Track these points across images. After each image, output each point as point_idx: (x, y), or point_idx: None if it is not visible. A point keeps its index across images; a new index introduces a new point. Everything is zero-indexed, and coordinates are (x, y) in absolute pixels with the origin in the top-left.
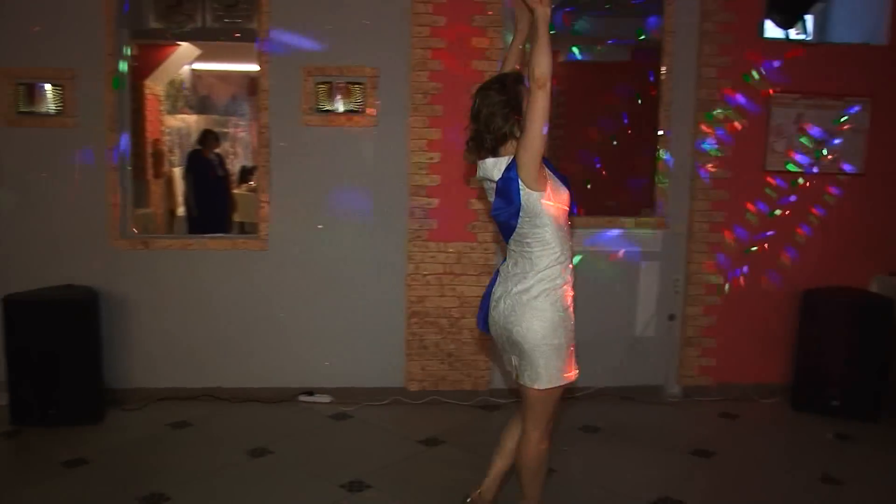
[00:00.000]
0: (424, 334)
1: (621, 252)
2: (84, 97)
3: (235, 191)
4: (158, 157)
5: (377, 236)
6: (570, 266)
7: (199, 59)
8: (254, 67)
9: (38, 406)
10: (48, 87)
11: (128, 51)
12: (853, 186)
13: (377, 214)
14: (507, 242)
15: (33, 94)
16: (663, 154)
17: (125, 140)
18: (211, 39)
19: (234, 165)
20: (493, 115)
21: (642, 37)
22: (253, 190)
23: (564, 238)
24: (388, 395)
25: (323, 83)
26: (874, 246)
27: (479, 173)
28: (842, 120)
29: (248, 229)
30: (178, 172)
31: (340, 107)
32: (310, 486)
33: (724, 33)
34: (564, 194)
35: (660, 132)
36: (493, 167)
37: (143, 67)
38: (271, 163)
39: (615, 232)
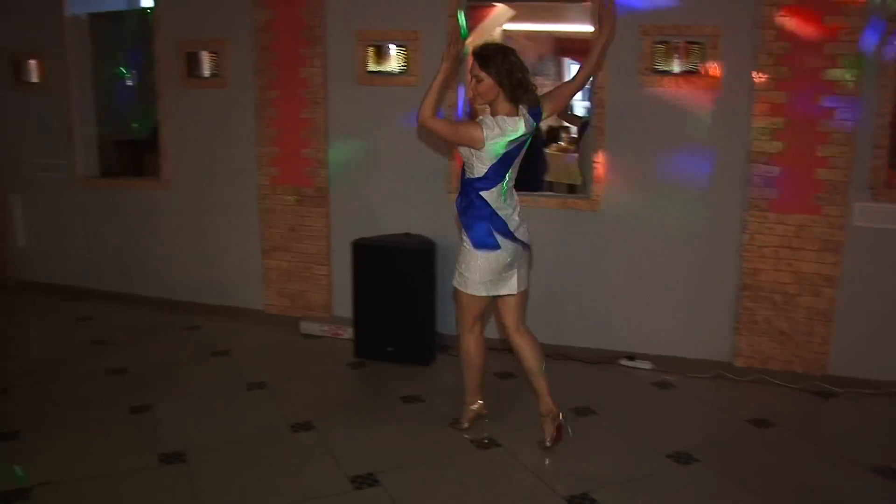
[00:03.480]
0: (756, 309)
1: None
2: (424, 57)
3: (545, 150)
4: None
5: (712, 203)
6: None
7: (512, 20)
8: (584, 28)
9: (377, 343)
10: (393, 47)
11: (461, 15)
12: None
13: (713, 180)
14: (507, 180)
15: (381, 54)
16: None
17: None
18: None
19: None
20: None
21: None
22: (563, 150)
23: None
24: (711, 369)
25: (661, 42)
26: None
27: (522, 128)
28: None
29: (555, 189)
30: None
31: (677, 67)
32: (634, 452)
33: None
34: None
35: None
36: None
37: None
38: (606, 124)
39: None
